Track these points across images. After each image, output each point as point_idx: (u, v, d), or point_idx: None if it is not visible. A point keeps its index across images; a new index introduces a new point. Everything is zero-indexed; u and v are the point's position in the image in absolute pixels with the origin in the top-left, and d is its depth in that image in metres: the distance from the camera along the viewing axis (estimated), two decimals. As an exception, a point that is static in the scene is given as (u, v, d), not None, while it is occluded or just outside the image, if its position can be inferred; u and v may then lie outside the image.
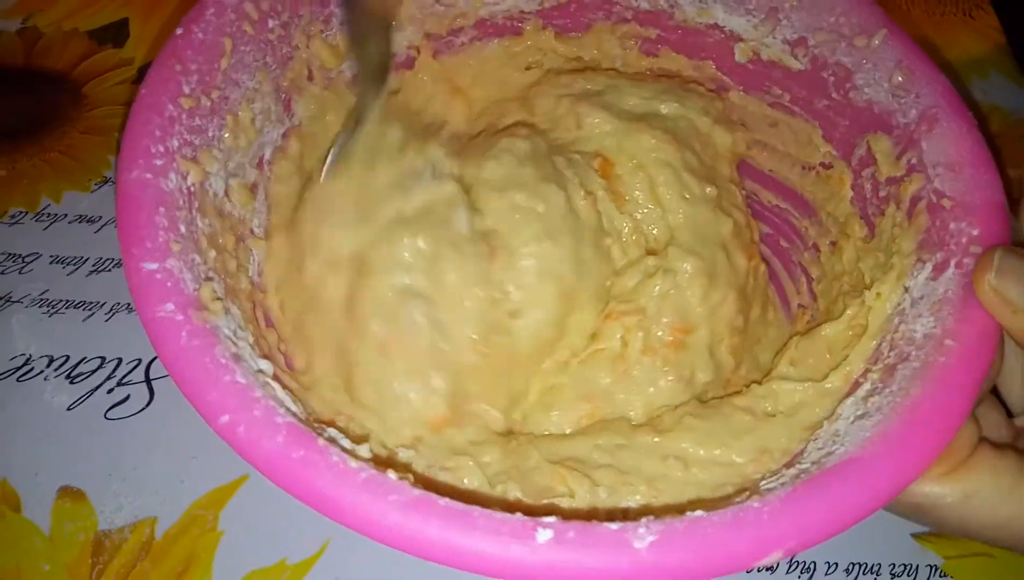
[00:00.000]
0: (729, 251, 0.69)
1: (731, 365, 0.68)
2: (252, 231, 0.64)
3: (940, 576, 0.67)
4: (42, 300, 0.77)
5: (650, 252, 0.69)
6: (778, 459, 0.57)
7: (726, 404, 0.63)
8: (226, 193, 0.61)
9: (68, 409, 0.71)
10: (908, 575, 0.67)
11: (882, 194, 0.65)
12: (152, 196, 0.52)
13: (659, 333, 0.65)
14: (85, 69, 0.94)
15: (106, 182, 0.86)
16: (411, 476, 0.47)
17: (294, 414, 0.48)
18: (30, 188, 0.85)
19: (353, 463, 0.45)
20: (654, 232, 0.70)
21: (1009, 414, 0.57)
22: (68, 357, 0.74)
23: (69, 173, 0.86)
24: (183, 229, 0.53)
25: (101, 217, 0.83)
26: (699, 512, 0.44)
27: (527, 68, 0.82)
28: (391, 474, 0.45)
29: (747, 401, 0.62)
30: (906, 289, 0.58)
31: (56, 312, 0.77)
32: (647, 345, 0.65)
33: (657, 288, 0.65)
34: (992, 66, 1.01)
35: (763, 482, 0.54)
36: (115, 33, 0.97)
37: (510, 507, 0.46)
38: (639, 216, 0.70)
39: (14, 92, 0.91)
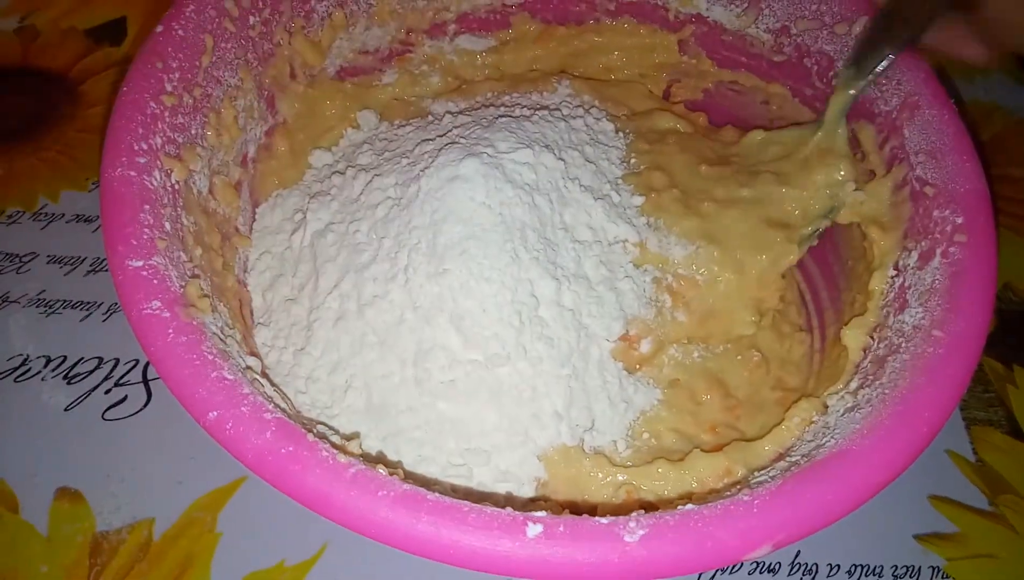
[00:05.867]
0: None
1: None
2: (237, 229, 0.64)
3: (943, 578, 0.66)
4: (39, 300, 0.77)
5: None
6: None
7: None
8: (211, 191, 0.61)
9: (65, 410, 0.71)
10: (911, 577, 0.67)
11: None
12: (136, 193, 0.52)
13: None
14: (83, 68, 0.93)
15: (104, 182, 0.85)
16: (401, 471, 0.47)
17: (283, 410, 0.47)
18: (27, 187, 0.84)
19: (342, 458, 0.45)
20: None
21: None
22: (65, 357, 0.74)
23: (66, 172, 0.86)
24: (168, 227, 0.53)
25: (98, 217, 0.82)
26: (690, 506, 0.44)
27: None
28: (381, 469, 0.45)
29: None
30: (892, 279, 0.58)
31: (53, 312, 0.77)
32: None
33: None
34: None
35: (753, 476, 0.54)
36: (112, 31, 0.97)
37: (500, 503, 0.46)
38: None
39: (11, 91, 0.91)
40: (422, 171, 0.62)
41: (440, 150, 0.64)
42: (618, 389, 0.63)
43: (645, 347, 0.65)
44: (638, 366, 0.65)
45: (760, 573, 0.67)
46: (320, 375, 0.60)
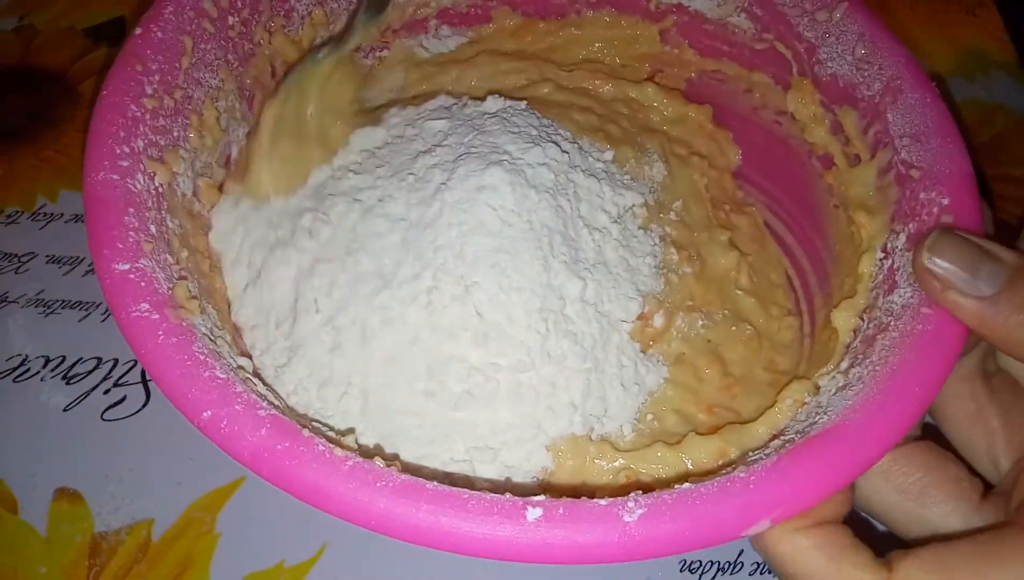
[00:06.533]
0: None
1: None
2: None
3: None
4: (38, 300, 0.77)
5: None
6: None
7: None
8: (195, 193, 0.61)
9: (64, 410, 0.71)
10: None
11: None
12: (120, 197, 0.52)
13: None
14: (81, 67, 0.93)
15: (102, 181, 0.85)
16: (398, 464, 0.47)
17: (276, 407, 0.47)
18: (26, 187, 0.84)
19: (339, 452, 0.45)
20: None
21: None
22: (64, 358, 0.74)
23: (65, 172, 0.86)
24: (153, 230, 0.53)
25: (96, 217, 0.82)
26: (687, 484, 0.45)
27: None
28: (378, 461, 0.45)
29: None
30: (881, 261, 0.58)
31: (52, 312, 0.77)
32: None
33: None
34: (995, 64, 0.99)
35: (748, 456, 0.54)
36: (111, 31, 0.97)
37: (498, 489, 0.46)
38: None
39: (10, 91, 0.91)
40: (443, 185, 0.61)
41: (455, 161, 0.62)
42: (633, 372, 0.63)
43: (658, 321, 0.65)
44: (651, 342, 0.65)
45: (760, 574, 0.67)
46: (311, 386, 0.59)
